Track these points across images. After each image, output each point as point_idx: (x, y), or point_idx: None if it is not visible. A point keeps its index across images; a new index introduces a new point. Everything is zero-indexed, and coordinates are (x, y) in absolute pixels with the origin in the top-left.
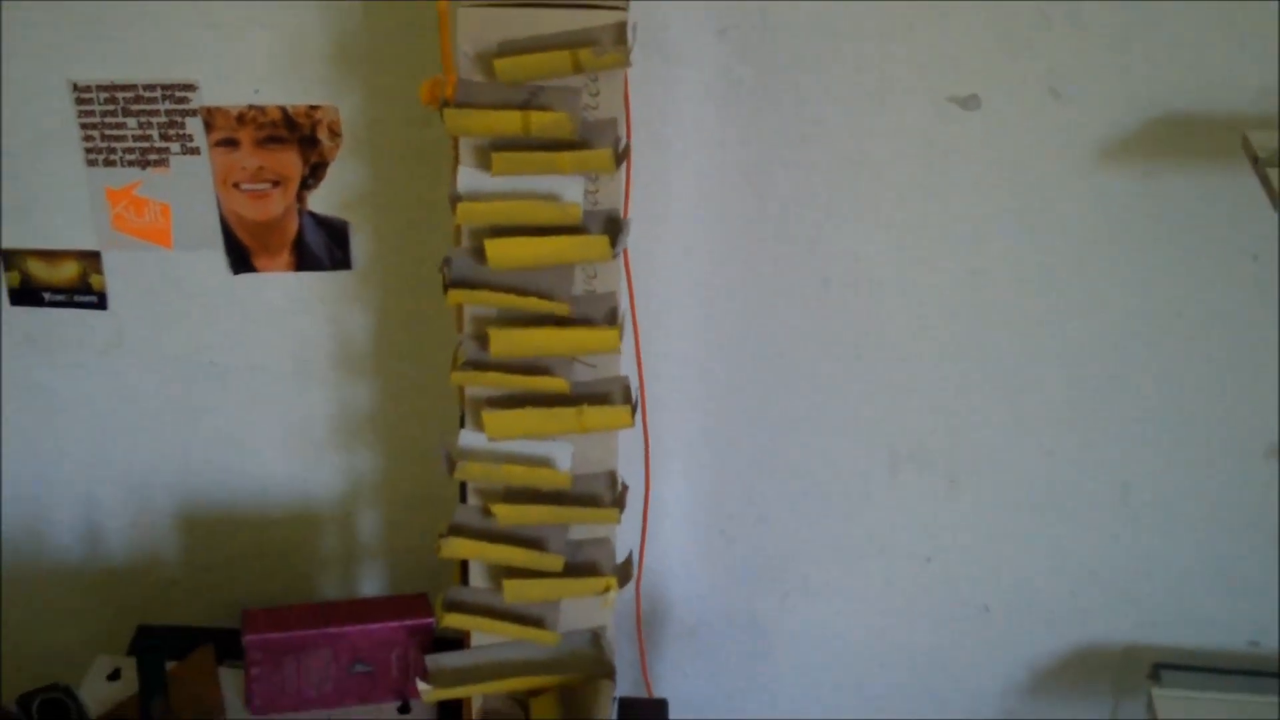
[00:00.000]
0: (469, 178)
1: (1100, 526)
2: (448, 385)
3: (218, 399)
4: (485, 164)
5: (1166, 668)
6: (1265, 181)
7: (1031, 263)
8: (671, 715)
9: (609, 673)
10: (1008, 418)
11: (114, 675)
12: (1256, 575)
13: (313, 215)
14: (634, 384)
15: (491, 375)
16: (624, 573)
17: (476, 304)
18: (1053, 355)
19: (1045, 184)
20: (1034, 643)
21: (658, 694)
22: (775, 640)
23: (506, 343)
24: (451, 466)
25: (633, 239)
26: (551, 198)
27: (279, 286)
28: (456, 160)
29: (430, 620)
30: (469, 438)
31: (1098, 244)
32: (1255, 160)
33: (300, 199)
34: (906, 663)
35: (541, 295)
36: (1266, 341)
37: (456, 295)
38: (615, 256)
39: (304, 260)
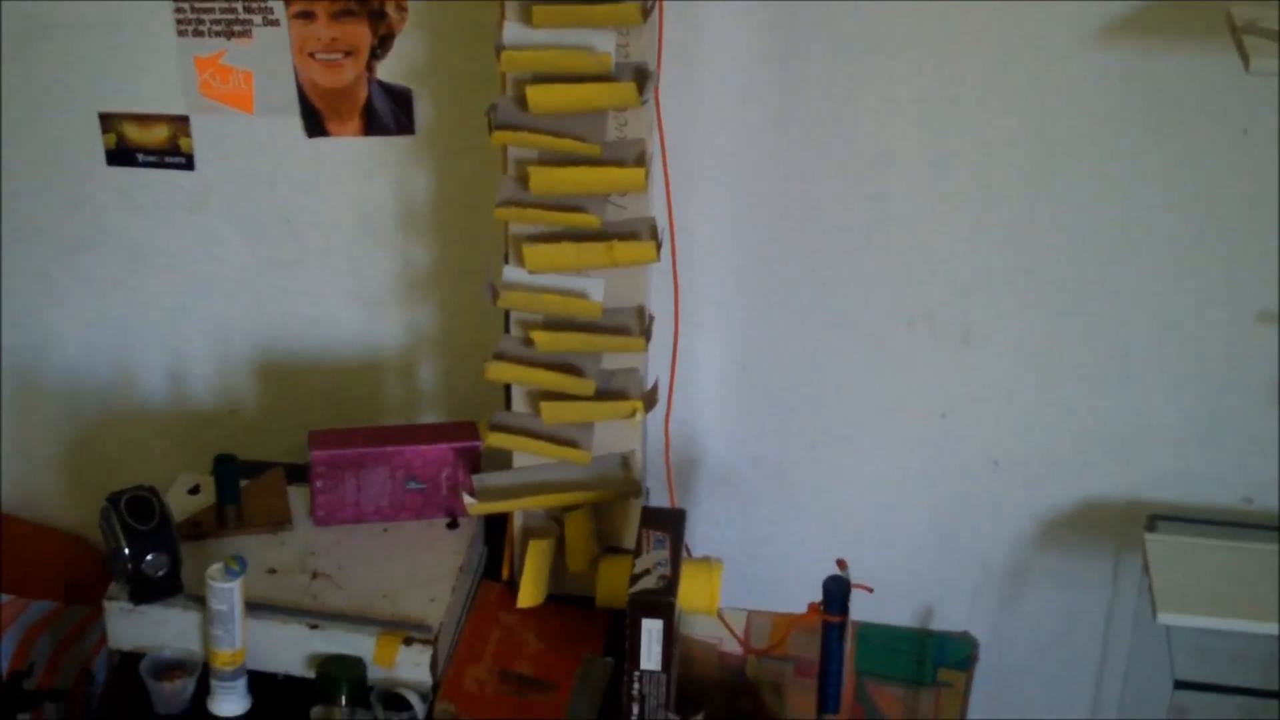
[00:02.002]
0: (513, 31)
1: (1102, 387)
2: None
3: (293, 255)
4: (527, 19)
5: (1162, 519)
6: (1240, 46)
7: (1037, 139)
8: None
9: (637, 491)
10: (1016, 284)
11: (194, 490)
12: (1250, 435)
13: (380, 83)
14: (664, 229)
15: (531, 212)
16: (650, 398)
17: (518, 145)
18: (1057, 225)
19: (1050, 65)
20: (1040, 497)
21: (690, 540)
22: (801, 488)
23: (545, 181)
24: (495, 296)
25: (667, 101)
26: (586, 49)
27: (349, 150)
28: (503, 16)
29: (477, 443)
30: (511, 272)
31: (1099, 120)
32: (1233, 30)
33: (369, 68)
34: (923, 514)
35: (576, 139)
36: (1257, 211)
37: (501, 136)
38: (643, 102)
39: (372, 125)
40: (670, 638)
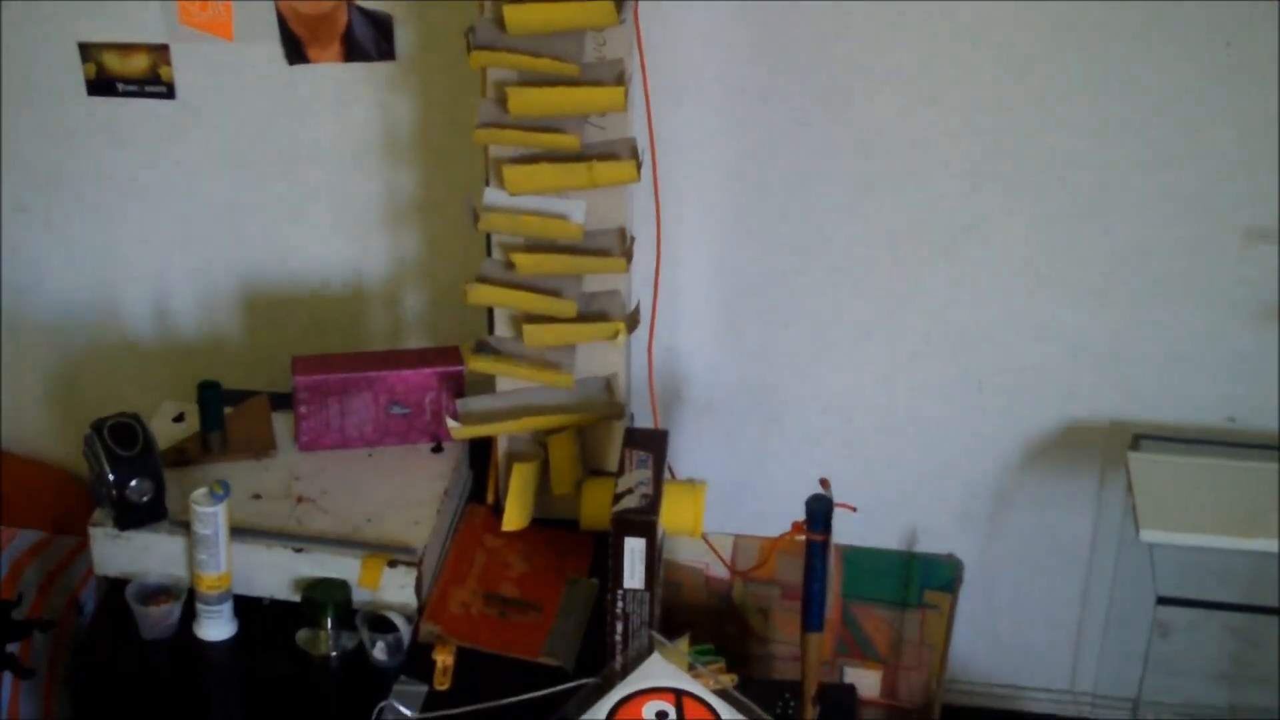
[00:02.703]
0: None
1: (1087, 308)
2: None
3: (275, 184)
4: None
5: (1146, 438)
6: None
7: (1022, 58)
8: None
9: (620, 414)
10: (1002, 205)
11: (178, 418)
12: (1234, 354)
13: (360, 9)
14: (645, 150)
15: (510, 134)
16: (633, 320)
17: (496, 65)
18: (1042, 146)
19: None
20: (1025, 418)
21: (676, 465)
22: (786, 412)
23: (523, 102)
24: (476, 219)
25: (646, 21)
26: None
27: (330, 77)
28: None
29: (460, 368)
30: (492, 194)
31: (1083, 37)
32: None
33: None
34: (908, 436)
35: (555, 59)
36: (1242, 126)
37: (479, 58)
38: (622, 22)
39: (353, 52)
40: (653, 556)
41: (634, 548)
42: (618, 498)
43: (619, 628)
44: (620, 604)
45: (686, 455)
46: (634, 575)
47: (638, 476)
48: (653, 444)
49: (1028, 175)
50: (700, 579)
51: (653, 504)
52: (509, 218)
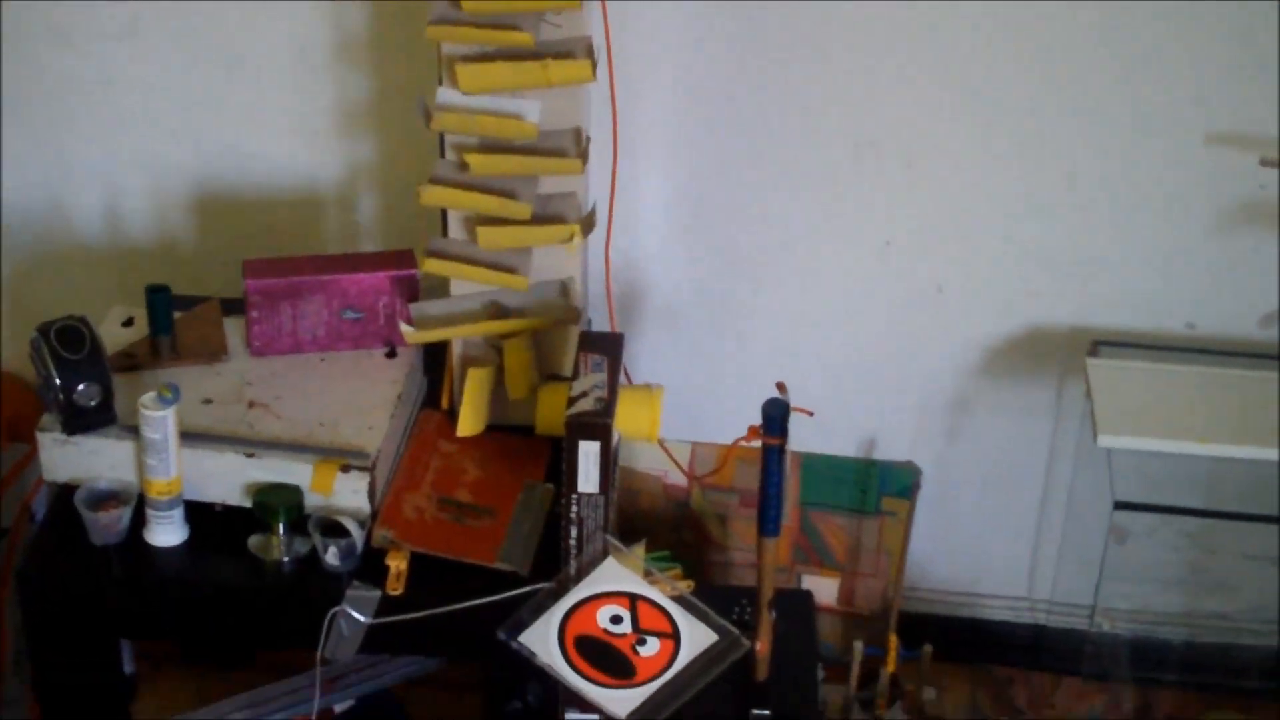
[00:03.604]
0: None
1: (1047, 213)
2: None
3: (228, 86)
4: None
5: (1105, 344)
6: None
7: None
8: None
9: (575, 318)
10: (961, 109)
11: (128, 323)
12: (1194, 260)
13: None
14: (601, 49)
15: (463, 30)
16: (588, 223)
17: None
18: (1002, 49)
19: None
20: (985, 324)
21: (635, 375)
22: (745, 319)
23: None
24: (428, 118)
25: None
26: None
27: None
28: None
29: (414, 271)
30: (445, 94)
31: None
32: None
33: None
34: (867, 342)
35: None
36: (1203, 31)
37: None
38: None
39: None
40: (607, 460)
41: (588, 451)
42: (572, 401)
43: (573, 532)
44: (575, 508)
45: (644, 362)
46: (588, 479)
47: (592, 380)
48: (608, 347)
49: (988, 80)
50: (658, 486)
51: (607, 407)
52: (462, 118)
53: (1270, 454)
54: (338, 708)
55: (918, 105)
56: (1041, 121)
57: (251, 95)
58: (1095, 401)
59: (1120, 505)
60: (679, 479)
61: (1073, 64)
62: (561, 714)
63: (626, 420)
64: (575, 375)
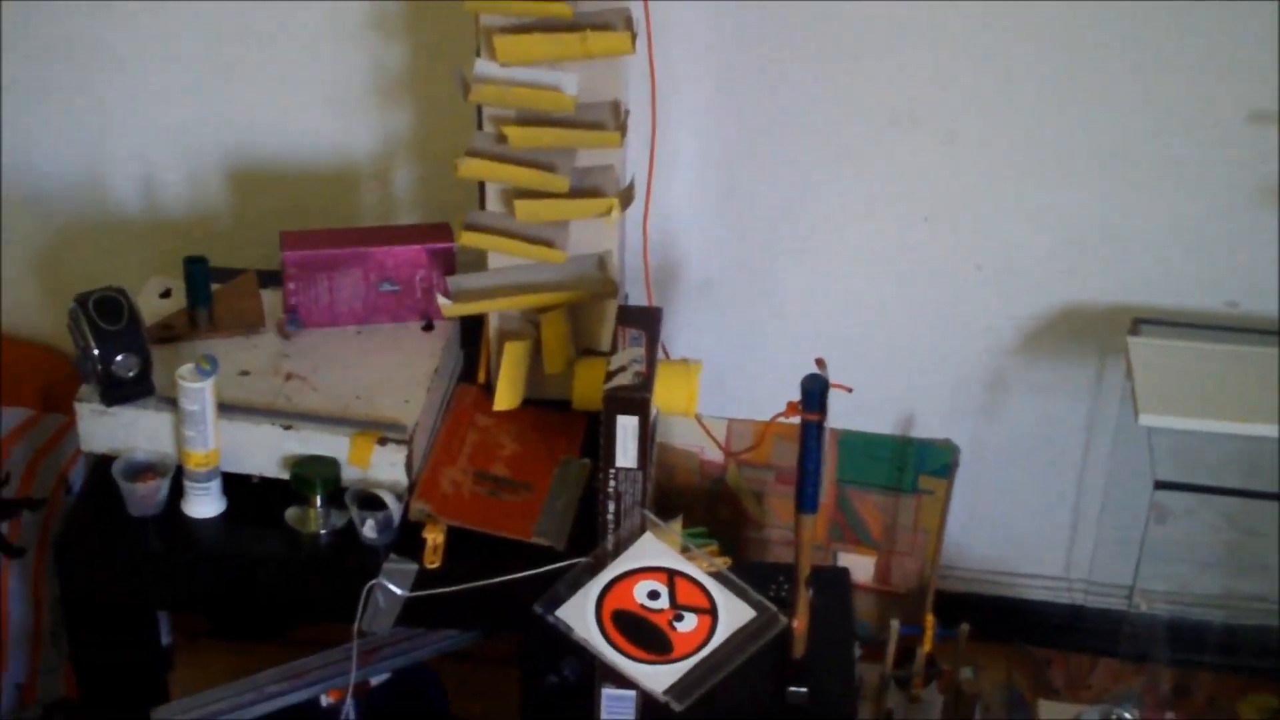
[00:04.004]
0: None
1: (1089, 189)
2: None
3: (263, 57)
4: None
5: (1146, 323)
6: None
7: None
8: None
9: (613, 292)
10: (1002, 82)
11: (165, 294)
12: (1237, 238)
13: None
14: (639, 21)
15: (502, 2)
16: (626, 196)
17: None
18: (1045, 23)
19: None
20: (1024, 302)
21: (671, 350)
22: (783, 294)
23: None
24: (466, 91)
25: None
26: None
27: None
28: None
29: (451, 244)
30: (482, 65)
31: None
32: None
33: None
34: (905, 319)
35: None
36: (1249, 8)
37: None
38: None
39: None
40: (645, 434)
41: (626, 425)
42: (610, 375)
43: (611, 507)
44: (612, 483)
45: (681, 337)
46: (626, 454)
47: (630, 354)
48: (646, 322)
49: (1028, 56)
50: (694, 463)
51: (646, 381)
52: (500, 90)
53: None
54: (374, 681)
55: (958, 79)
56: (1083, 97)
57: (286, 66)
58: (1136, 380)
59: (1161, 485)
60: (715, 455)
61: (1116, 39)
62: (598, 690)
63: (664, 395)
64: (613, 349)
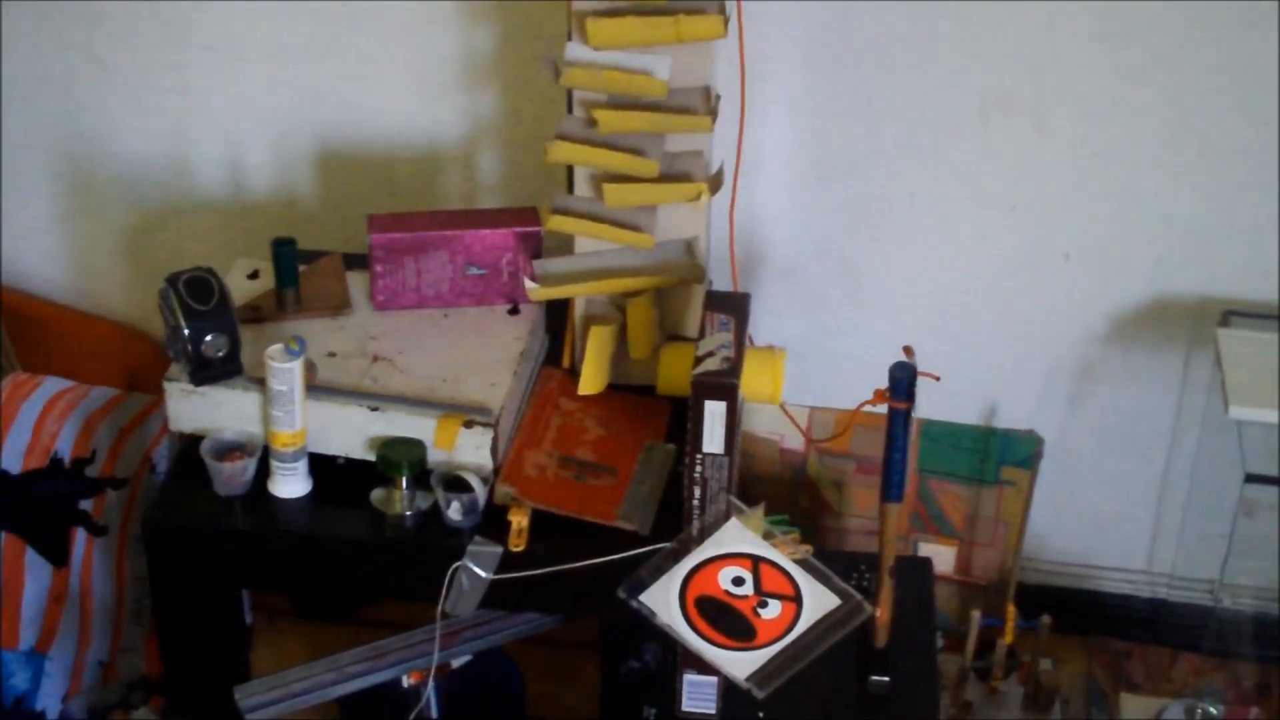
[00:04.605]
0: None
1: (1178, 177)
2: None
3: (350, 38)
4: None
5: (1236, 315)
6: None
7: None
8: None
9: (700, 277)
10: (1091, 69)
11: (253, 275)
12: None
13: None
14: (732, 5)
15: None
16: (715, 182)
17: None
18: (1139, 11)
19: None
20: (1111, 292)
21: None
22: (867, 282)
23: None
24: (557, 74)
25: None
26: None
27: None
28: None
29: (538, 228)
30: (574, 49)
31: None
32: None
33: None
34: (991, 308)
35: None
36: None
37: None
38: None
39: None
40: (733, 420)
41: (714, 411)
42: (698, 360)
43: (697, 493)
44: (699, 469)
45: (765, 324)
46: (713, 439)
47: (719, 340)
48: (734, 307)
49: (1119, 44)
50: (774, 451)
51: (734, 367)
52: (591, 73)
53: None
54: (454, 663)
55: (1048, 66)
56: (1174, 86)
57: (375, 48)
58: (1226, 372)
59: (1252, 478)
60: (795, 444)
61: (1209, 27)
62: (680, 676)
63: (750, 383)
64: (701, 335)
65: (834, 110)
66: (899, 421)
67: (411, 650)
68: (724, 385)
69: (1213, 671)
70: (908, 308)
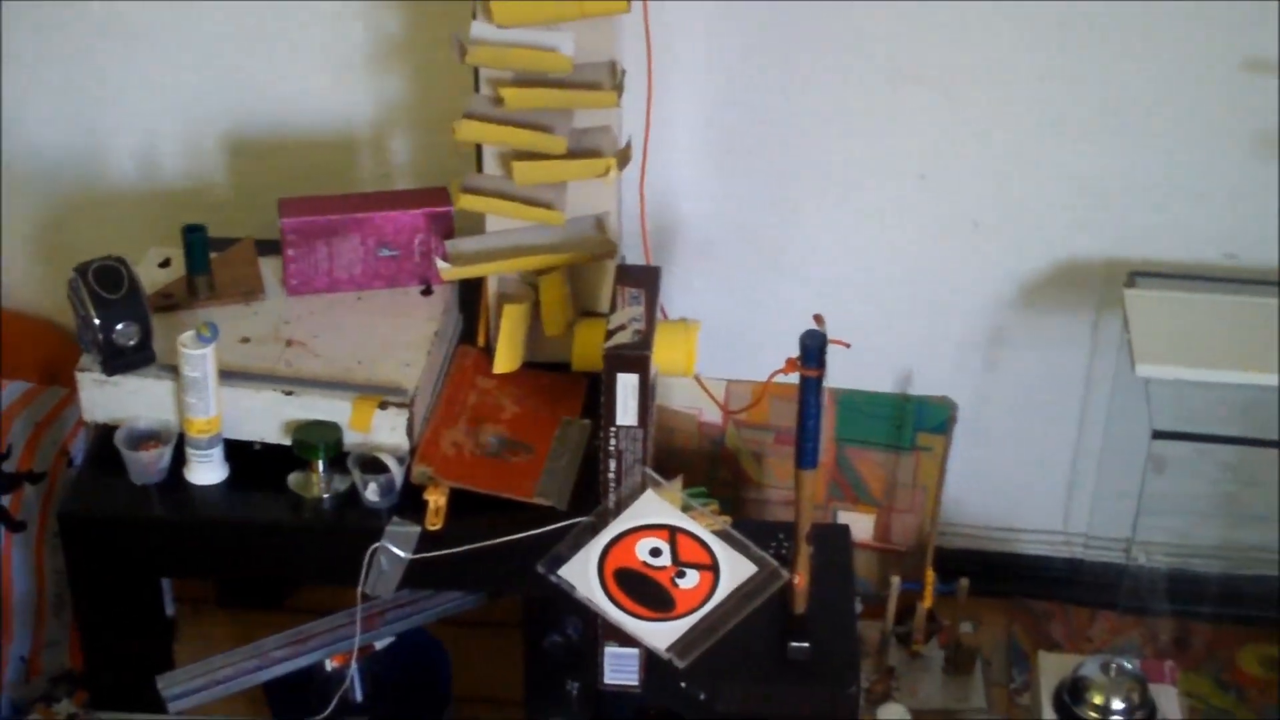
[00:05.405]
0: None
1: (1084, 142)
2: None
3: (260, 25)
4: None
5: (1142, 275)
6: None
7: None
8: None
9: (612, 252)
10: (997, 37)
11: (164, 263)
12: (1233, 189)
13: None
14: None
15: None
16: (624, 156)
17: None
18: None
19: None
20: (1021, 257)
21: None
22: (782, 254)
23: None
24: (463, 53)
25: None
26: None
27: None
28: None
29: (449, 208)
30: (479, 28)
31: None
32: None
33: None
34: (904, 277)
35: None
36: None
37: None
38: None
39: None
40: (646, 392)
41: (626, 383)
42: (609, 334)
43: (612, 465)
44: (613, 442)
45: (679, 297)
46: (627, 412)
47: (630, 313)
48: (645, 281)
49: (1022, 12)
50: (693, 424)
51: (645, 339)
52: (497, 51)
53: None
54: (378, 645)
55: (953, 35)
56: (1077, 51)
57: (284, 33)
58: (1133, 332)
59: (1159, 434)
60: (714, 417)
61: None
62: (600, 648)
63: (664, 356)
64: (612, 309)
65: (743, 83)
66: (810, 389)
67: (334, 634)
68: (635, 358)
69: (1131, 628)
70: (822, 278)
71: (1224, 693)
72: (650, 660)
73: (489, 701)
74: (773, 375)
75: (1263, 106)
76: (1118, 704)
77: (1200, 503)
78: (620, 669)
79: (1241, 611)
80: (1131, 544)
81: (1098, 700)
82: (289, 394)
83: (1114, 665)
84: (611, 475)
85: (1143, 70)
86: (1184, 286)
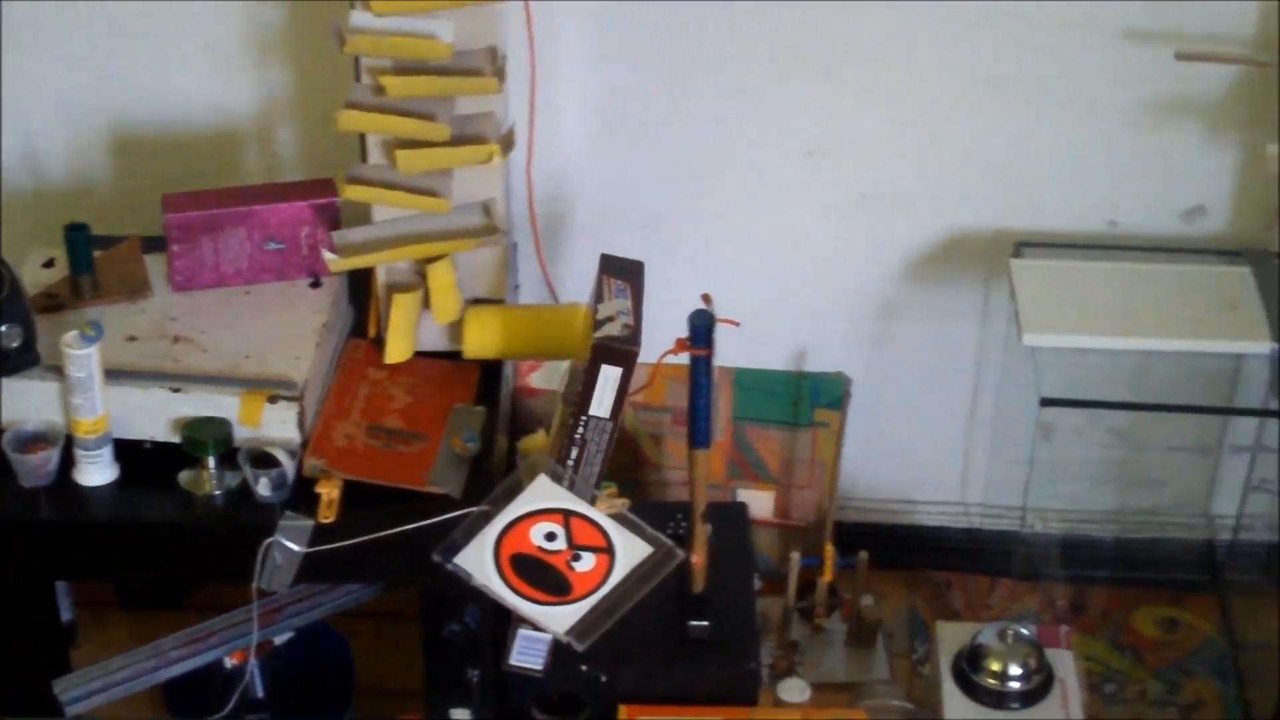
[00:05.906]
0: None
1: (967, 117)
2: None
3: (139, 20)
4: None
5: (1028, 245)
6: None
7: None
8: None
9: (498, 238)
10: (884, 11)
11: (48, 264)
12: (1114, 157)
13: None
14: None
15: None
16: (507, 141)
17: None
18: None
19: None
20: (909, 230)
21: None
22: (673, 235)
23: None
24: (342, 42)
25: None
26: None
27: None
28: None
29: (335, 199)
30: (358, 16)
31: None
32: None
33: None
34: (794, 254)
35: None
36: None
37: None
38: None
39: None
40: (625, 387)
41: (609, 376)
42: (598, 324)
43: (574, 453)
44: (581, 429)
45: (570, 281)
46: (602, 404)
47: (617, 305)
48: (631, 274)
49: None
50: None
51: (634, 335)
52: (376, 40)
53: (1193, 345)
54: (277, 640)
55: (835, 12)
56: (959, 25)
57: (163, 28)
58: (1019, 301)
59: (1047, 402)
60: None
61: None
62: (513, 631)
63: (553, 340)
64: (599, 298)
65: (626, 65)
66: (700, 368)
67: (233, 631)
68: (624, 352)
69: (1028, 595)
70: (714, 258)
71: (1120, 654)
72: (557, 643)
73: (392, 693)
74: (663, 356)
75: (1143, 76)
76: (1014, 669)
77: (1092, 469)
78: (528, 652)
79: (1135, 575)
80: (1025, 511)
81: (995, 667)
82: (176, 391)
83: (1010, 632)
84: (571, 462)
85: (1024, 41)
86: (1069, 255)
